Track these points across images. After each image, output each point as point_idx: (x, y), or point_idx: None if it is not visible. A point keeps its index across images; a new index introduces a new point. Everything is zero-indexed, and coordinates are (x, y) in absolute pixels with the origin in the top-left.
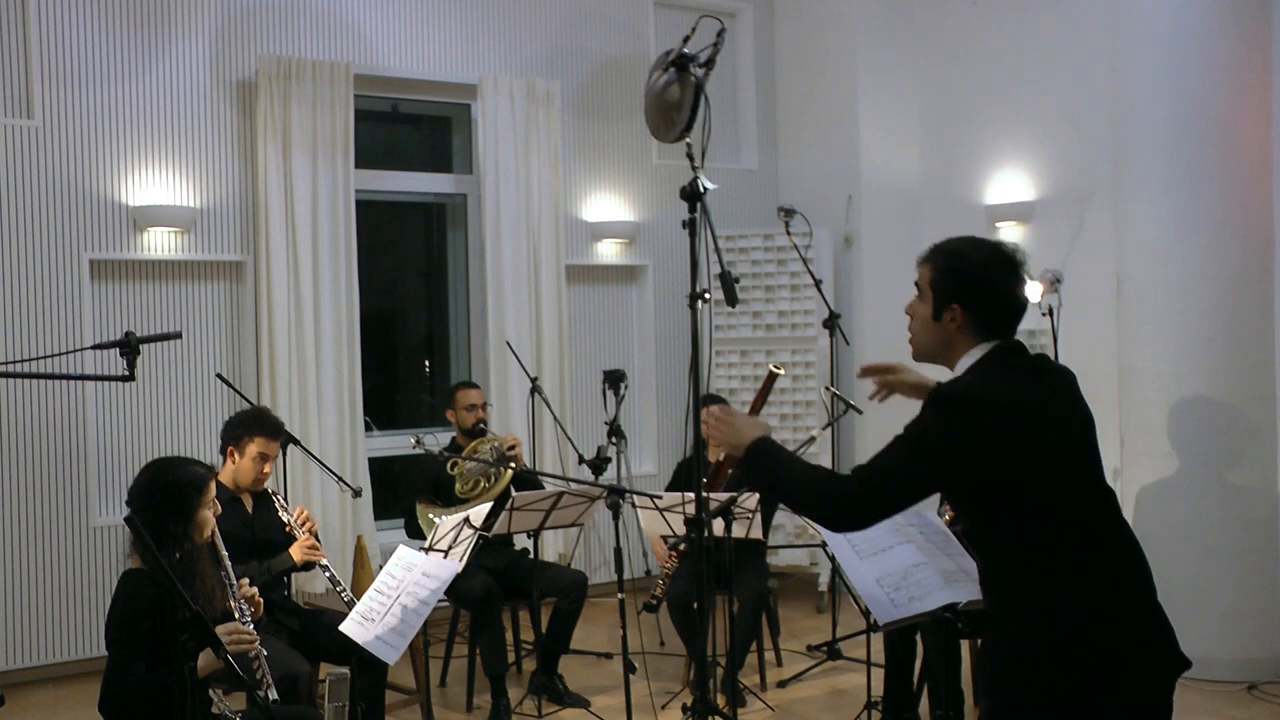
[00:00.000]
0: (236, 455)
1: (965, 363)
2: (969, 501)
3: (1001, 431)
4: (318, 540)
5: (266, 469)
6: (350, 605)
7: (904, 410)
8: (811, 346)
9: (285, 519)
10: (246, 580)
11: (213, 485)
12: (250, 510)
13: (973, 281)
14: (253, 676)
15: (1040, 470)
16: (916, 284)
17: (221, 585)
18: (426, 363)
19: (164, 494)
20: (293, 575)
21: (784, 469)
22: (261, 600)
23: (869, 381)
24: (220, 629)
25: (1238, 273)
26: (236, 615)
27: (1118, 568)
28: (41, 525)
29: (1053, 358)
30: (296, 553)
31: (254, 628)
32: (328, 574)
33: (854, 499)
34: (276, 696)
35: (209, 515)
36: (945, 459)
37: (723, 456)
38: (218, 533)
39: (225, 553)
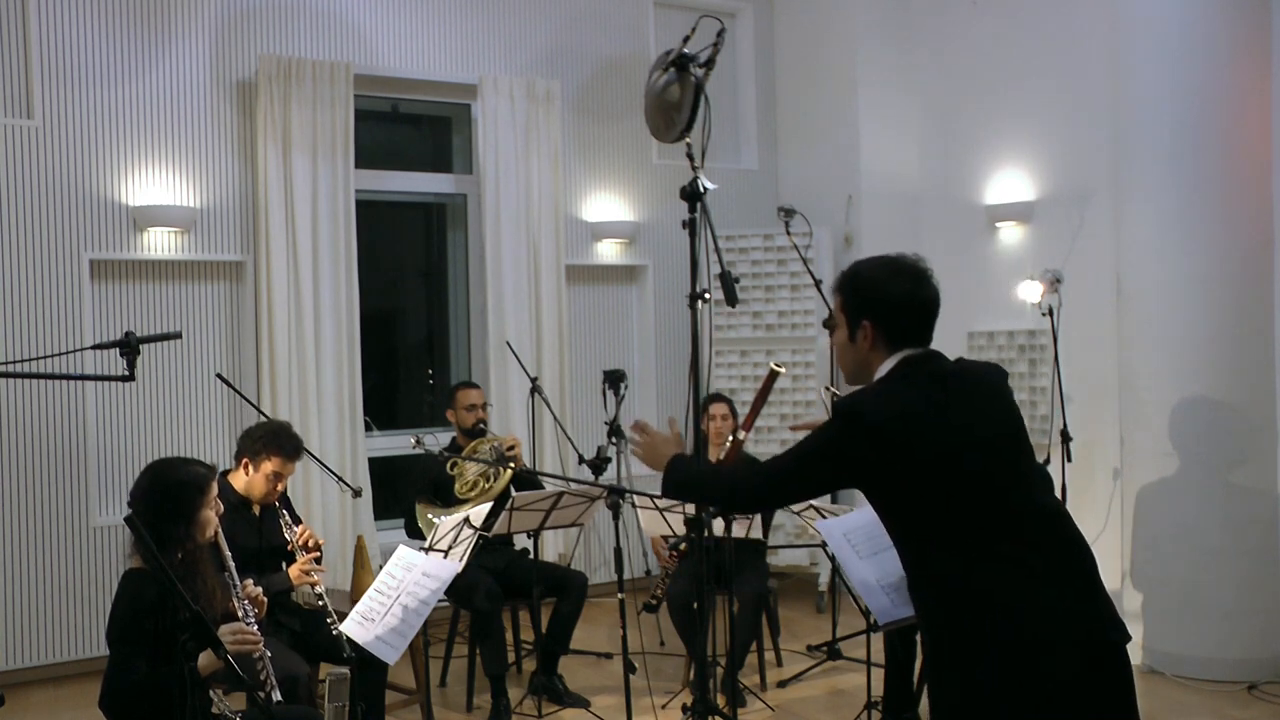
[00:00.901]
0: (250, 468)
1: (880, 371)
2: (878, 508)
3: (880, 443)
4: (319, 561)
5: (280, 486)
6: (336, 636)
7: None
8: (811, 346)
9: (288, 537)
10: (250, 580)
11: (214, 485)
12: (258, 515)
13: (871, 293)
14: (256, 678)
15: (933, 477)
16: (832, 316)
17: (224, 586)
18: (430, 371)
19: (165, 495)
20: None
21: (690, 475)
22: (265, 600)
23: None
24: (224, 629)
25: (1238, 273)
26: (240, 615)
27: (1026, 564)
28: (41, 525)
29: (1053, 358)
30: (293, 574)
31: (258, 628)
32: (320, 602)
33: (737, 489)
34: (280, 698)
35: (211, 515)
36: (826, 466)
37: (724, 456)
38: (221, 533)
39: (229, 553)
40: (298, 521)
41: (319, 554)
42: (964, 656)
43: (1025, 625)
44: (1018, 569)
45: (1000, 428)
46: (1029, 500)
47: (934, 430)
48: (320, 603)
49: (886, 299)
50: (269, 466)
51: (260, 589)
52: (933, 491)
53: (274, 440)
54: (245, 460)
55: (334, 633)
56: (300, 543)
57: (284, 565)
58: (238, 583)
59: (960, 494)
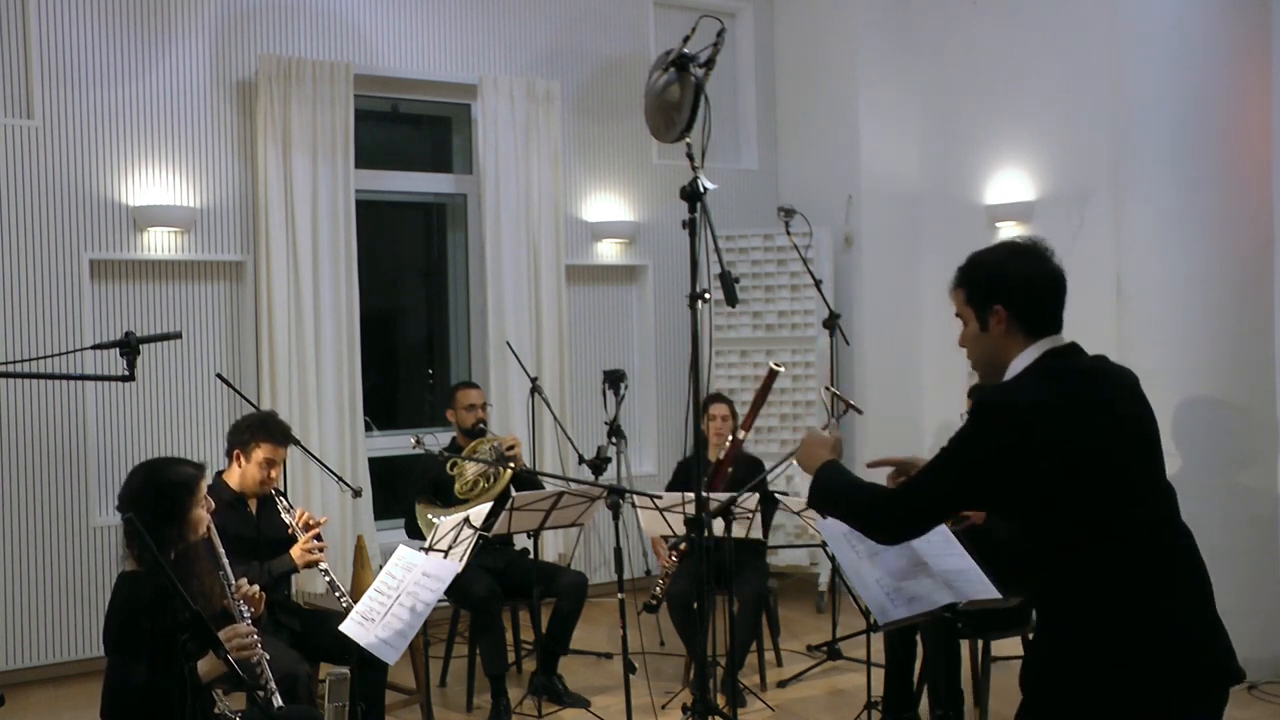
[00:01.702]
0: (243, 460)
1: (1018, 364)
2: (1010, 509)
3: (1028, 437)
4: (320, 540)
5: (273, 474)
6: (347, 610)
7: (905, 411)
8: (811, 346)
9: (288, 520)
10: (245, 580)
11: (204, 484)
12: (254, 511)
13: (998, 276)
14: (256, 681)
15: (1076, 476)
16: (957, 315)
17: (220, 585)
18: (430, 371)
19: (156, 495)
20: (294, 575)
21: (833, 487)
22: (263, 597)
23: (869, 381)
24: (222, 634)
25: (1238, 273)
26: (236, 615)
27: (1166, 575)
28: (41, 525)
29: None
30: (297, 554)
31: (254, 626)
32: (327, 578)
33: (889, 517)
34: (281, 703)
35: (202, 514)
36: (979, 467)
37: (723, 456)
38: (214, 531)
39: (223, 551)
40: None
41: (319, 532)
42: (1086, 662)
43: (1154, 646)
44: (1143, 580)
45: (1140, 433)
46: (1165, 513)
47: (1074, 427)
48: (327, 579)
49: (1015, 277)
50: (260, 454)
51: (256, 588)
52: (1077, 492)
53: (262, 428)
54: (237, 453)
55: (344, 605)
56: (300, 524)
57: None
58: (232, 581)
59: (1103, 498)
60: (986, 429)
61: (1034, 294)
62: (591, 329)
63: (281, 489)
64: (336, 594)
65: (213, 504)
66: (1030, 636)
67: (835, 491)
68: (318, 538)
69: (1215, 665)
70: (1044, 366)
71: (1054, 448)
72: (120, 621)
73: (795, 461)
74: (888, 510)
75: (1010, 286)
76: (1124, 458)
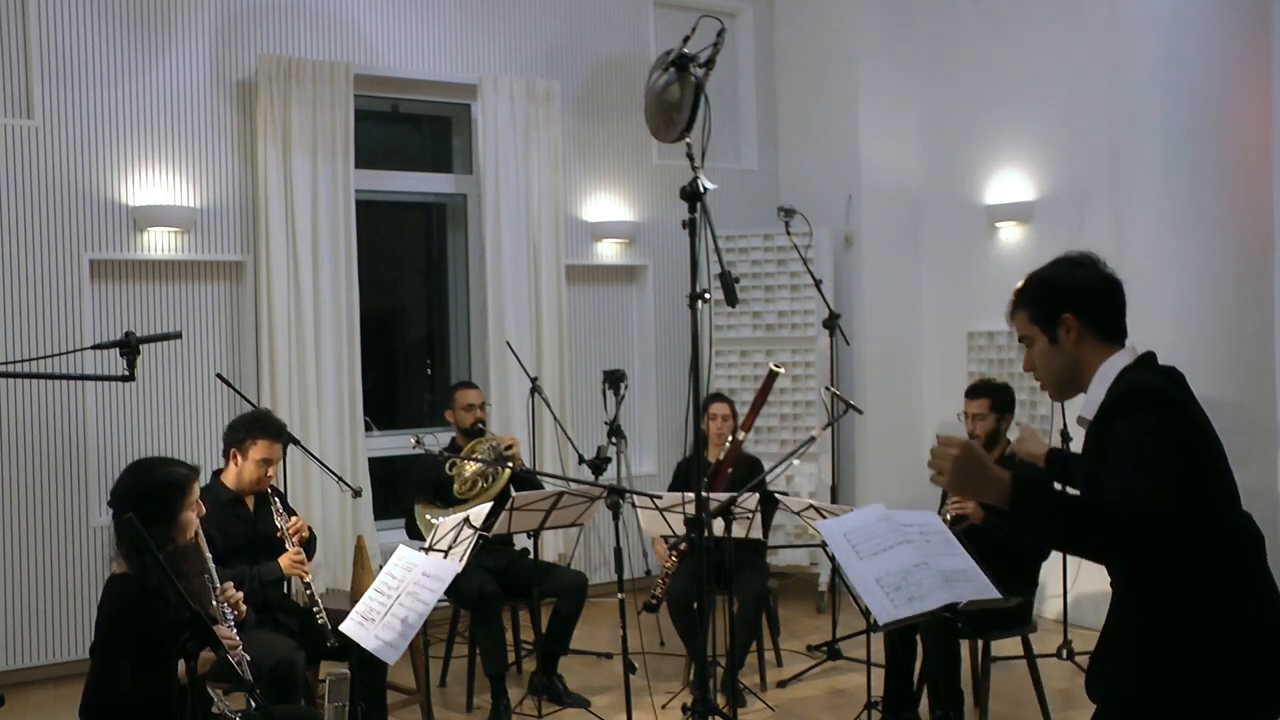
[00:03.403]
0: (239, 458)
1: (1108, 369)
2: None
3: (1186, 421)
4: (311, 541)
5: (270, 472)
6: (324, 629)
7: (905, 411)
8: (811, 346)
9: (279, 524)
10: (231, 584)
11: (195, 487)
12: (252, 510)
13: (1063, 287)
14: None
15: (1206, 470)
16: (1022, 339)
17: (207, 588)
18: (428, 365)
19: (147, 495)
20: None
21: (1066, 514)
22: (245, 608)
23: (869, 381)
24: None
25: (1238, 273)
26: (220, 618)
27: (1262, 580)
28: (41, 525)
29: None
30: (285, 564)
31: (237, 631)
32: (308, 591)
33: (1149, 514)
34: (261, 695)
35: (192, 517)
36: (1175, 451)
37: (723, 456)
38: (202, 535)
39: (209, 555)
40: (291, 513)
41: (302, 542)
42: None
43: (1260, 648)
44: (1252, 587)
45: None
46: (1252, 523)
47: (1205, 425)
48: (308, 592)
49: (1081, 284)
50: (256, 452)
51: (241, 594)
52: (1201, 486)
53: (257, 425)
54: (233, 451)
55: (319, 622)
56: (291, 531)
57: (278, 555)
58: (218, 585)
59: (1218, 498)
60: (1159, 411)
61: (1102, 296)
62: (591, 329)
63: (280, 490)
64: (315, 609)
65: (203, 509)
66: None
67: (1065, 513)
68: (311, 537)
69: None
70: (1148, 365)
71: (1196, 435)
72: (109, 624)
73: (947, 489)
74: (1141, 507)
75: (1077, 294)
76: (1225, 462)
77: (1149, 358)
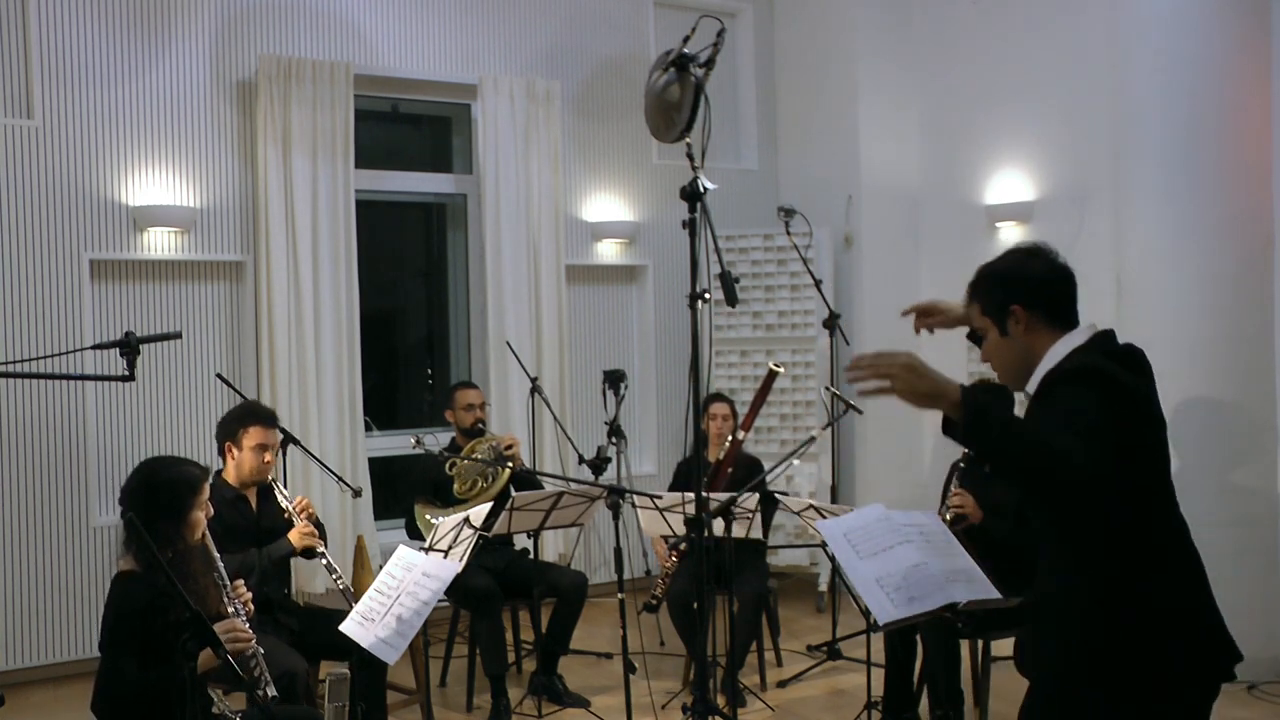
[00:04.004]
0: (235, 450)
1: (1060, 349)
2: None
3: (1128, 399)
4: (318, 527)
5: (268, 458)
6: (346, 592)
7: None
8: (811, 346)
9: (285, 505)
10: (241, 582)
11: (207, 486)
12: (255, 506)
13: (1014, 279)
14: (251, 675)
15: (1148, 450)
16: (975, 329)
17: (216, 586)
18: (430, 371)
19: (157, 492)
20: (293, 575)
21: (1012, 433)
22: (252, 606)
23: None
24: (218, 625)
25: (1238, 273)
26: (231, 615)
27: (1193, 562)
28: (41, 525)
29: None
30: (295, 538)
31: (249, 627)
32: (324, 561)
33: (1080, 469)
34: (275, 694)
35: (201, 516)
36: (1111, 430)
37: (723, 456)
38: (209, 535)
39: (217, 555)
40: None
41: (315, 516)
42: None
43: (1193, 635)
44: (1178, 566)
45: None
46: (1173, 503)
47: (1149, 399)
48: (324, 562)
49: (1026, 275)
50: (249, 440)
51: (250, 593)
52: (1143, 466)
53: (248, 413)
54: (228, 445)
55: (340, 587)
56: (297, 508)
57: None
58: (228, 583)
59: (1156, 477)
60: (1099, 391)
61: (1049, 286)
62: (591, 329)
63: (276, 480)
64: (334, 575)
65: (212, 509)
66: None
67: (1010, 429)
68: (318, 524)
69: (1228, 642)
70: (1098, 345)
71: (1139, 414)
72: (115, 619)
73: (898, 394)
74: (1081, 458)
75: (1023, 284)
76: (1164, 451)
77: (1102, 337)
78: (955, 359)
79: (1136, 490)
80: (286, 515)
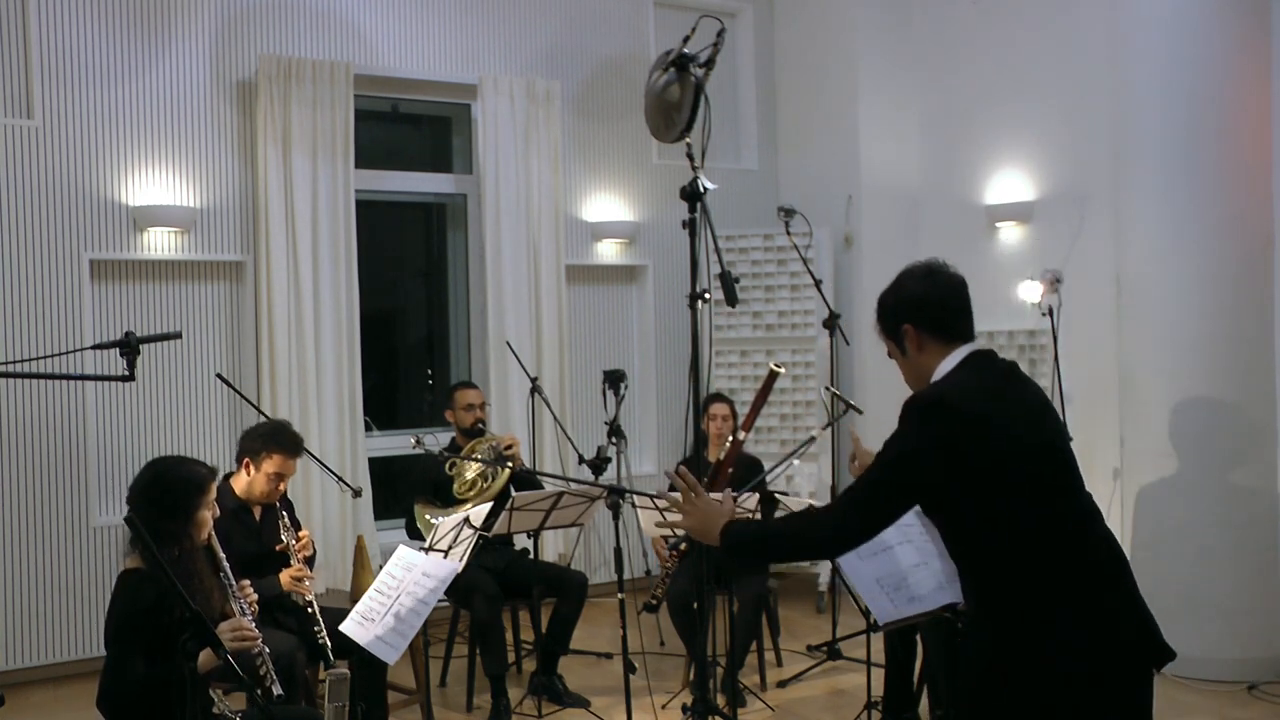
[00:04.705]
0: (252, 468)
1: (939, 372)
2: (944, 507)
3: (961, 429)
4: (308, 563)
5: (281, 487)
6: (324, 648)
7: None
8: (811, 346)
9: (285, 538)
10: (247, 581)
11: (213, 487)
12: (258, 520)
13: (899, 301)
14: (256, 673)
15: (1006, 470)
16: (890, 356)
17: (221, 586)
18: (430, 371)
19: (165, 491)
20: None
21: (762, 540)
22: (256, 600)
23: (869, 381)
24: (224, 625)
25: (1238, 273)
26: (238, 613)
27: (1089, 568)
28: (41, 525)
29: (1053, 358)
30: (285, 580)
31: (255, 626)
32: (310, 610)
33: (833, 531)
34: (281, 692)
35: (208, 516)
36: (919, 465)
37: (723, 456)
38: (214, 536)
39: (223, 555)
40: (299, 527)
41: (306, 560)
42: (1017, 658)
43: (1087, 634)
44: (1075, 582)
45: (1059, 438)
46: (1089, 508)
47: (1004, 420)
48: (310, 611)
49: (909, 297)
50: (270, 466)
51: (256, 595)
52: (1008, 486)
53: (275, 438)
54: (246, 461)
55: (320, 641)
56: (298, 549)
57: (279, 569)
58: (234, 583)
59: (1030, 494)
60: (920, 425)
61: (932, 303)
62: (591, 329)
63: (290, 501)
64: (315, 628)
65: (218, 510)
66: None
67: (761, 539)
68: (309, 563)
69: (1144, 649)
70: (968, 365)
71: (985, 439)
72: (121, 616)
73: (689, 533)
74: (830, 526)
75: (909, 304)
76: (1047, 455)
77: (973, 359)
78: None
79: (1007, 509)
80: (281, 548)
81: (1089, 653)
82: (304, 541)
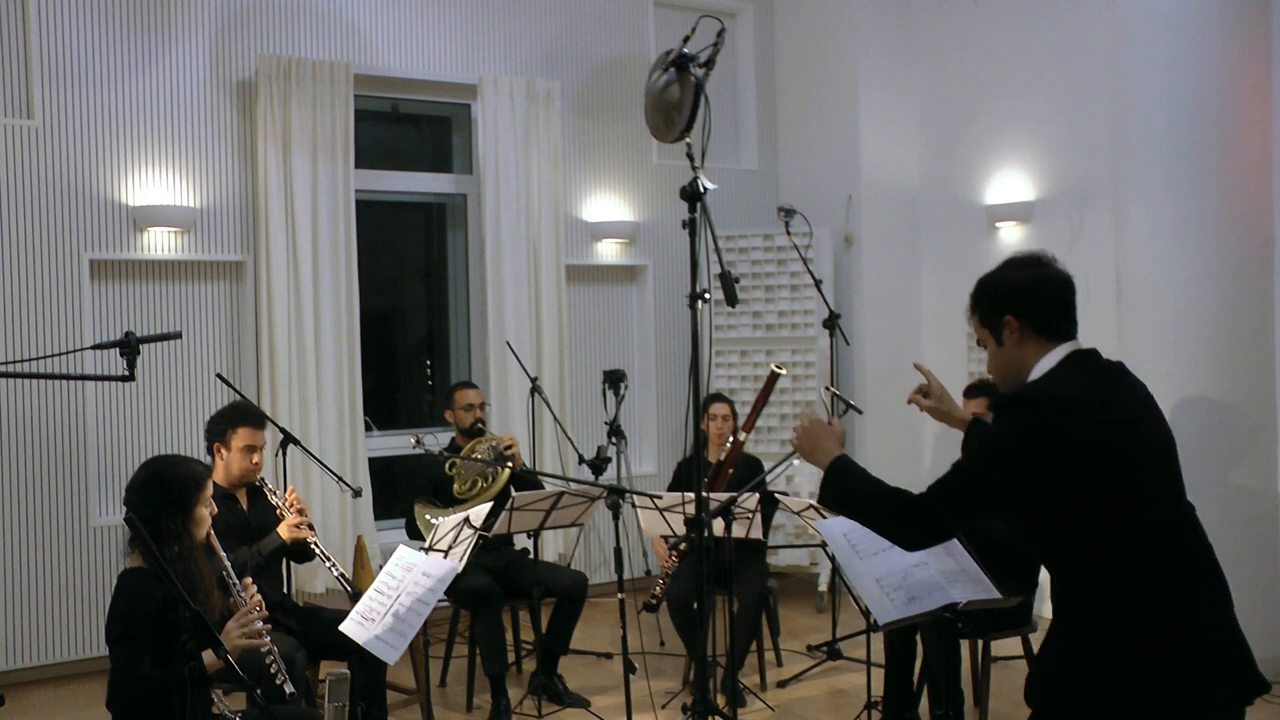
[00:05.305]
0: (224, 451)
1: (1039, 369)
2: (1036, 507)
3: (1061, 431)
4: (306, 519)
5: (255, 459)
6: (342, 579)
7: (905, 411)
8: (811, 346)
9: (275, 502)
10: (250, 580)
11: (210, 484)
12: (245, 506)
13: (1005, 290)
14: (266, 672)
15: (1105, 473)
16: (979, 343)
17: (223, 584)
18: (429, 371)
19: (163, 489)
20: (292, 575)
21: (855, 491)
22: (261, 599)
23: (869, 381)
24: (232, 621)
25: (1238, 273)
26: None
27: (1188, 581)
28: (41, 525)
29: None
30: (284, 531)
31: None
32: (317, 550)
33: (919, 522)
34: (293, 690)
35: (206, 514)
36: (1013, 464)
37: (724, 456)
38: (214, 534)
39: (223, 553)
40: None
41: (305, 510)
42: (1104, 663)
43: (1181, 648)
44: (1167, 584)
45: (1162, 440)
46: (1190, 520)
47: (1105, 423)
48: (317, 551)
49: (1017, 286)
50: (238, 440)
51: (260, 598)
52: (1106, 490)
53: (236, 414)
54: (216, 446)
55: (335, 574)
56: (287, 503)
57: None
58: (236, 581)
59: (1131, 497)
60: (1019, 424)
61: (1040, 298)
62: (591, 329)
63: (277, 485)
64: (328, 564)
65: (216, 508)
66: (1034, 644)
67: (854, 492)
68: (304, 515)
69: (1241, 676)
70: (1071, 365)
71: (1086, 443)
72: (124, 615)
73: (796, 450)
74: (917, 515)
75: (1015, 295)
76: (1151, 459)
77: (1077, 356)
78: (955, 359)
79: (1110, 515)
80: (278, 512)
81: (1177, 669)
82: (292, 495)
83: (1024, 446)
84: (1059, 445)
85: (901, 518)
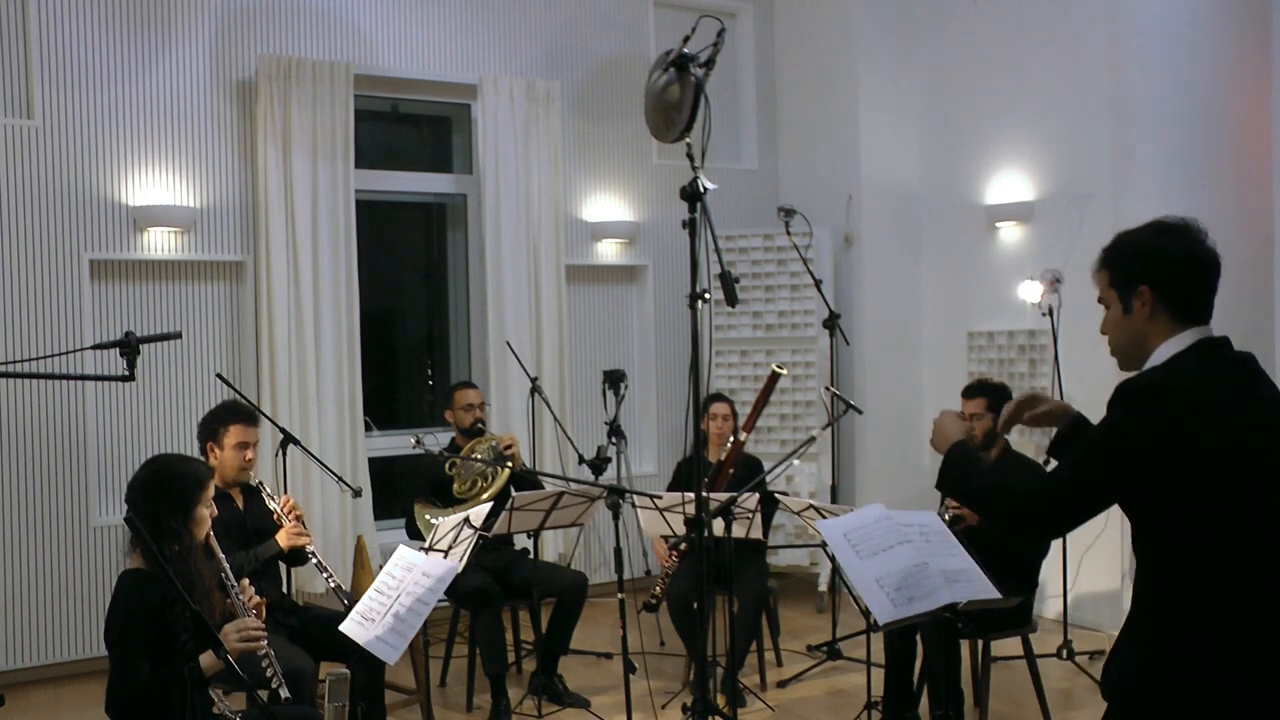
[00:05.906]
0: (217, 450)
1: (1164, 352)
2: (1143, 502)
3: (1178, 424)
4: (304, 526)
5: (249, 456)
6: (338, 590)
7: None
8: (811, 346)
9: (273, 507)
10: (247, 581)
11: (211, 484)
12: (241, 506)
13: (1144, 255)
14: (262, 674)
15: (1217, 472)
16: (1100, 299)
17: (222, 585)
18: (430, 371)
19: (165, 487)
20: (292, 575)
21: (974, 477)
22: (263, 601)
23: (869, 381)
24: (229, 625)
25: (1238, 272)
26: (240, 613)
27: (1264, 591)
28: (41, 525)
29: (1053, 358)
30: (282, 538)
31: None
32: (314, 559)
33: (1039, 508)
34: (289, 694)
35: (206, 514)
36: (1128, 454)
37: (724, 456)
38: (213, 535)
39: (222, 555)
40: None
41: (302, 516)
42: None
43: (1247, 662)
44: (1259, 604)
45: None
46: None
47: (1220, 417)
48: (314, 561)
49: (1162, 257)
50: (230, 438)
51: (259, 599)
52: (1209, 491)
53: (227, 412)
54: (210, 445)
55: (331, 585)
56: (285, 509)
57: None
58: (234, 583)
59: (1244, 498)
60: (1136, 414)
61: (1182, 274)
62: (591, 329)
63: (277, 489)
64: (324, 575)
65: (215, 509)
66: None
67: (973, 478)
68: (301, 523)
69: None
70: (1196, 354)
71: (1202, 438)
72: (124, 617)
73: (931, 444)
74: (1037, 504)
75: (1157, 266)
76: (1264, 460)
77: (1202, 346)
78: (955, 359)
79: (1213, 511)
80: (276, 517)
81: (1250, 679)
82: (289, 503)
83: (1134, 440)
84: (1169, 441)
85: (1017, 515)
